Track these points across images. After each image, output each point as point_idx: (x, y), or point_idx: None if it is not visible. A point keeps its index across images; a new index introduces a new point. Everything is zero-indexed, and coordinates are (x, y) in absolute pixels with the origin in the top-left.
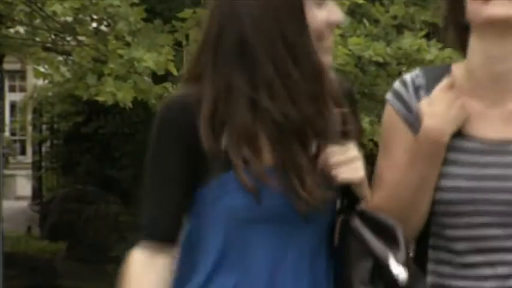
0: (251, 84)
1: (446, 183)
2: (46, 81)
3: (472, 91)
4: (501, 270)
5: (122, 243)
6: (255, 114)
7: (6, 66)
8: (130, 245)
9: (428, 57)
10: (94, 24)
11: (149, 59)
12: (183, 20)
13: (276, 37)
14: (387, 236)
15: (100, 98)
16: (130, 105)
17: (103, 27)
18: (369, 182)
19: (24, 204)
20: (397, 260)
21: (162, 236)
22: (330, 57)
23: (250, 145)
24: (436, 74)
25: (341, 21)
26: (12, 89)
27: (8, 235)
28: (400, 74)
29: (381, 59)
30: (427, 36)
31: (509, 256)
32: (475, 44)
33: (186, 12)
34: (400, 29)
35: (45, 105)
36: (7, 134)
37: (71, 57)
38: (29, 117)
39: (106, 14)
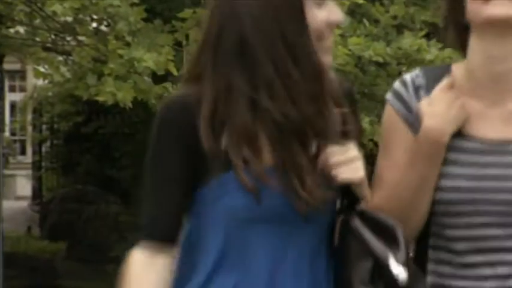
0: (251, 84)
1: (446, 183)
2: (46, 81)
3: (472, 91)
4: (501, 270)
5: (121, 243)
6: (255, 114)
7: (6, 66)
8: (130, 245)
9: (428, 57)
10: (94, 24)
11: (149, 59)
12: (183, 20)
13: (276, 37)
14: (387, 236)
15: (100, 98)
16: (130, 105)
17: (103, 27)
18: (368, 182)
19: (24, 204)
20: (397, 260)
21: (162, 236)
22: (330, 57)
23: (250, 145)
24: (436, 74)
25: (341, 21)
26: (12, 89)
27: (8, 235)
28: (400, 74)
29: (380, 59)
30: (427, 36)
31: (509, 256)
32: (475, 44)
33: (186, 12)
34: (400, 29)
35: (45, 105)
36: (7, 134)
37: (71, 57)
38: (29, 117)
39: (106, 14)
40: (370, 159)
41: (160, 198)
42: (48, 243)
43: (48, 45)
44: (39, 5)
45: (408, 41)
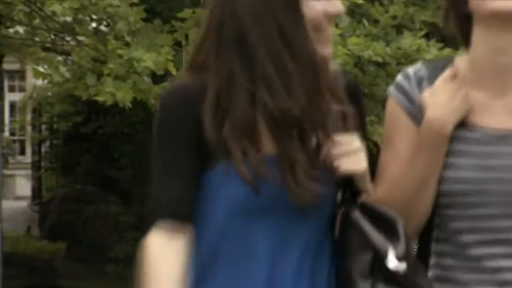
0: (250, 78)
1: (451, 174)
2: (45, 81)
3: (475, 82)
4: (508, 263)
5: (121, 243)
6: (253, 107)
7: (6, 66)
8: (130, 245)
9: (428, 57)
10: (93, 24)
11: (149, 59)
12: (183, 20)
13: (273, 30)
14: (388, 228)
15: (99, 98)
16: (129, 105)
17: (102, 27)
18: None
19: (23, 204)
20: (397, 253)
21: (183, 214)
22: (329, 48)
23: (249, 137)
24: (438, 65)
25: (340, 12)
26: (11, 89)
27: (7, 235)
28: None
29: (380, 59)
30: (427, 36)
31: None
32: (479, 35)
33: (186, 12)
34: (399, 29)
35: (45, 105)
36: (6, 134)
37: (70, 57)
38: (29, 117)
39: (105, 14)
40: (370, 159)
41: (177, 177)
42: (48, 243)
43: (48, 45)
44: (38, 5)
45: (408, 41)
